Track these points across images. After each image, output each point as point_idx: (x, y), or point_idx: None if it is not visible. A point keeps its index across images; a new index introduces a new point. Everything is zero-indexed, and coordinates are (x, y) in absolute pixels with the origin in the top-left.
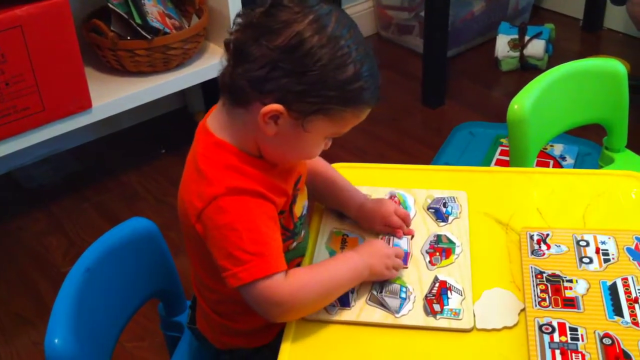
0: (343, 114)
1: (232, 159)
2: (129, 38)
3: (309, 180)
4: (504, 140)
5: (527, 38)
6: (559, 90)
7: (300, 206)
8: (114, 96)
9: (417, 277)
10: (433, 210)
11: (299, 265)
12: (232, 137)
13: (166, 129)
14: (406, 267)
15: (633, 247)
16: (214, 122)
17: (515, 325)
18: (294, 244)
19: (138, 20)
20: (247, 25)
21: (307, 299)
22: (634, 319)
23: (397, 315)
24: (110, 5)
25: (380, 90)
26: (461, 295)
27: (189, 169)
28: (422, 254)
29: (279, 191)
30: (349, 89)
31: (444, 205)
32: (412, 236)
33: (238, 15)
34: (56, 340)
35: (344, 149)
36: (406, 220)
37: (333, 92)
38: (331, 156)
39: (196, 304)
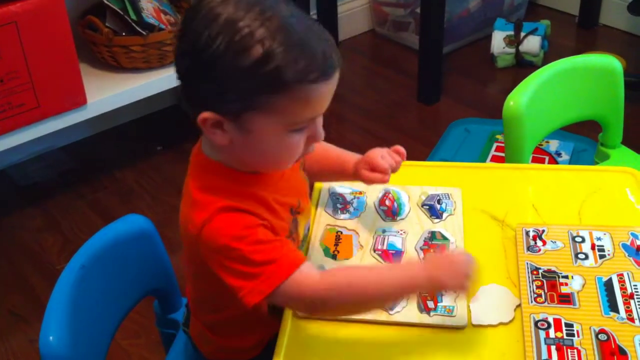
0: (278, 103)
1: (217, 180)
2: (124, 34)
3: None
4: (499, 137)
5: (522, 34)
6: (555, 87)
7: (303, 227)
8: (109, 92)
9: None
10: (427, 207)
11: None
12: (216, 154)
13: (162, 126)
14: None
15: (628, 243)
16: (203, 141)
17: (511, 321)
18: None
19: (133, 16)
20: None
21: (340, 302)
22: (629, 315)
23: (391, 312)
24: (105, 2)
25: (329, 60)
26: (455, 292)
27: (184, 192)
28: (416, 250)
29: (276, 205)
30: (262, 72)
31: (438, 202)
32: (406, 233)
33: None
34: (51, 338)
35: (339, 145)
36: (398, 156)
37: (246, 82)
38: None
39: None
